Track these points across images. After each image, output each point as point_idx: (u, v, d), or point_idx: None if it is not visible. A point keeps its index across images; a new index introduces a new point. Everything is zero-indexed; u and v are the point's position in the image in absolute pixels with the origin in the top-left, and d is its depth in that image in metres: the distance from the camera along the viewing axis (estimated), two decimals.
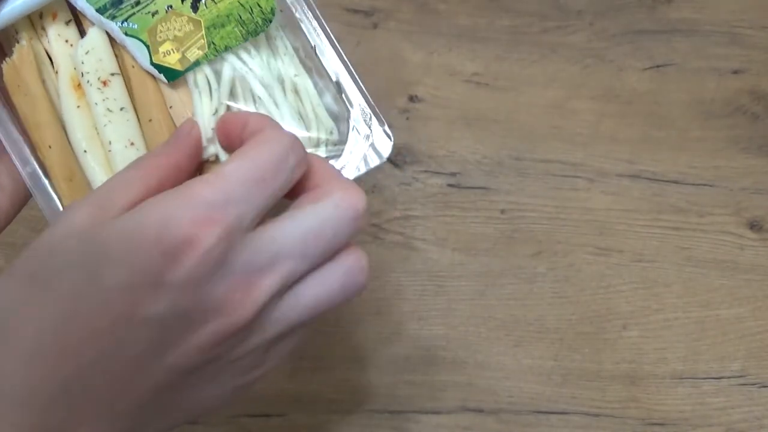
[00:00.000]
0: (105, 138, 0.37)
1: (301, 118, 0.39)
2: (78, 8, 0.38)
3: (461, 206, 0.55)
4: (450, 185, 0.55)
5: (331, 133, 0.39)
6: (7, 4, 0.36)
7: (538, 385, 0.51)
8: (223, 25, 0.38)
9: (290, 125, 0.38)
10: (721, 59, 0.60)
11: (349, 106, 0.39)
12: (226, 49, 0.38)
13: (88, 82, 0.37)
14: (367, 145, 0.38)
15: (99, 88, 0.37)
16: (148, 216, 0.29)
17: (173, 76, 0.37)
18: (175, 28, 0.38)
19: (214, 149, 0.37)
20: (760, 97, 0.59)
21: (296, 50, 0.40)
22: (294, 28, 0.39)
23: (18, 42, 0.38)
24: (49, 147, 0.37)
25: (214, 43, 0.38)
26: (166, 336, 0.28)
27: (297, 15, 0.39)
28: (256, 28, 0.38)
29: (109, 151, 0.37)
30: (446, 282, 0.53)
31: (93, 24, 0.38)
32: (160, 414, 0.30)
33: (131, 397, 0.29)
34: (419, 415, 0.50)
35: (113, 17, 0.37)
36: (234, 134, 0.34)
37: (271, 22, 0.38)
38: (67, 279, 0.28)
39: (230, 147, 0.35)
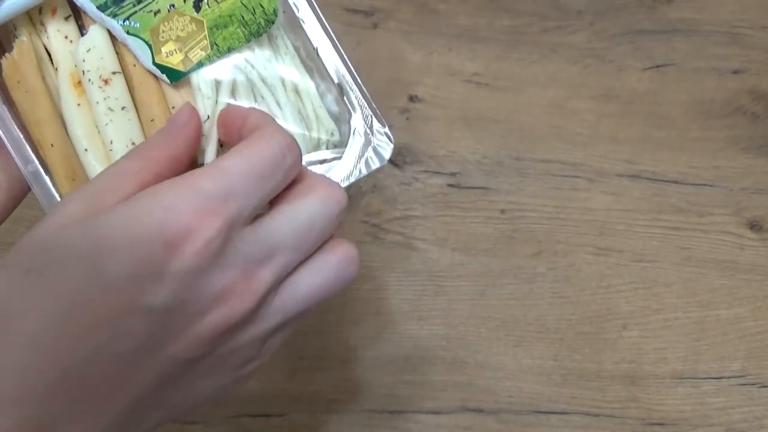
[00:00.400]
0: (106, 137, 0.37)
1: (302, 118, 0.39)
2: (78, 5, 0.37)
3: (461, 206, 0.55)
4: (450, 185, 0.55)
5: (332, 134, 0.39)
6: (6, 0, 0.36)
7: (538, 385, 0.51)
8: (225, 26, 0.38)
9: (292, 125, 0.38)
10: (721, 59, 0.60)
11: (350, 108, 0.38)
12: (229, 50, 0.37)
13: (89, 80, 0.37)
14: (368, 147, 0.38)
15: (100, 87, 0.37)
16: (150, 205, 0.29)
17: (176, 77, 0.37)
18: (177, 28, 0.37)
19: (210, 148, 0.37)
20: (760, 97, 0.59)
21: (297, 51, 0.40)
22: (296, 28, 0.39)
23: (17, 38, 0.37)
24: (51, 145, 0.36)
25: (216, 44, 0.37)
26: (166, 327, 0.29)
27: (299, 16, 0.39)
28: (258, 29, 0.38)
29: (111, 150, 0.37)
30: (446, 282, 0.53)
31: (94, 21, 0.37)
32: (157, 406, 0.30)
33: (130, 388, 0.29)
34: (419, 415, 0.50)
35: (114, 15, 0.37)
36: (233, 127, 0.34)
37: (273, 23, 0.38)
38: (68, 270, 0.28)
39: (229, 140, 0.35)
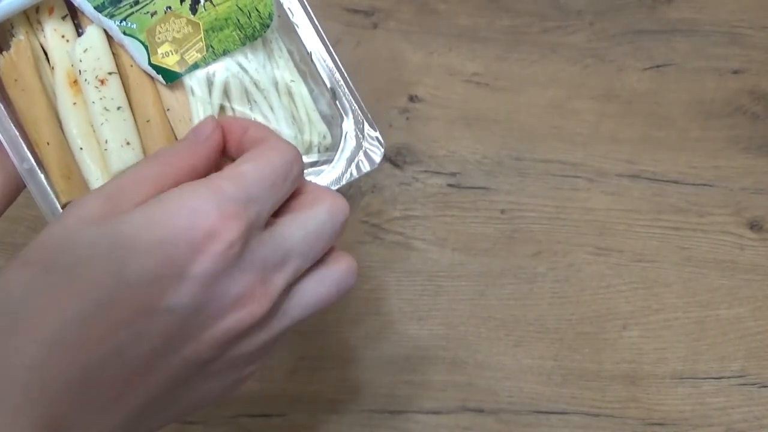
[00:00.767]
0: (101, 137, 0.37)
1: (295, 121, 0.39)
2: (76, 5, 0.37)
3: (461, 206, 0.55)
4: (450, 185, 0.55)
5: (324, 137, 0.39)
6: None
7: (538, 385, 0.51)
8: (221, 29, 0.38)
9: (284, 128, 0.38)
10: (721, 59, 0.60)
11: (342, 112, 0.39)
12: (225, 52, 0.38)
13: (85, 80, 0.37)
14: (359, 151, 0.39)
15: (96, 87, 0.37)
16: (175, 206, 0.29)
17: (172, 77, 0.37)
18: (173, 30, 0.37)
19: None
20: (760, 97, 0.59)
21: (291, 55, 0.40)
22: (290, 32, 0.39)
23: (14, 37, 0.37)
24: (47, 143, 0.36)
25: (212, 47, 0.38)
26: (185, 329, 0.29)
27: (293, 20, 0.39)
28: (254, 33, 0.38)
29: (105, 149, 0.37)
30: (446, 282, 0.53)
31: (91, 21, 0.38)
32: (166, 406, 0.31)
33: (144, 389, 0.29)
34: (419, 415, 0.50)
35: (112, 15, 0.37)
36: (233, 139, 0.34)
37: (268, 27, 0.38)
38: (91, 269, 0.28)
39: (227, 150, 0.35)
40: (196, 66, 0.37)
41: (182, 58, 0.37)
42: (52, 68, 0.38)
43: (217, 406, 0.49)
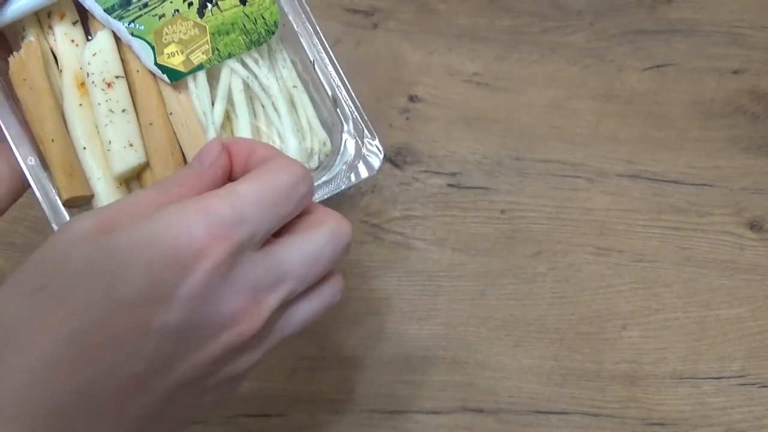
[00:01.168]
0: (105, 137, 0.38)
1: (297, 129, 0.40)
2: (87, 7, 0.38)
3: (461, 206, 0.55)
4: (450, 185, 0.55)
5: (324, 144, 0.40)
6: (16, 1, 0.37)
7: (538, 385, 0.51)
8: (227, 33, 0.38)
9: (290, 136, 0.39)
10: (721, 59, 0.60)
11: (343, 119, 0.40)
12: (230, 55, 0.38)
13: (93, 82, 0.38)
14: (358, 158, 0.39)
15: (103, 89, 0.38)
16: (164, 226, 0.29)
17: (176, 77, 0.38)
18: (180, 32, 0.38)
19: None
20: (760, 97, 0.59)
21: (294, 64, 0.41)
22: (294, 42, 0.40)
23: (25, 39, 0.38)
24: (52, 140, 0.37)
25: (218, 49, 0.38)
26: (176, 348, 0.29)
27: (297, 29, 0.40)
28: (259, 38, 0.39)
29: (108, 150, 0.37)
30: (446, 282, 0.53)
31: (101, 26, 0.38)
32: (159, 423, 0.31)
33: (137, 408, 0.29)
34: (419, 415, 0.50)
35: (121, 18, 0.38)
36: (239, 159, 0.34)
37: (273, 34, 0.39)
38: (81, 290, 0.28)
39: (234, 173, 0.35)
40: (201, 66, 0.38)
41: (188, 58, 0.38)
42: (60, 71, 0.38)
43: (217, 406, 0.49)
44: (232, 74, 0.39)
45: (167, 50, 0.38)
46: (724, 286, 0.53)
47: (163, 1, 0.38)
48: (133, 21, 0.38)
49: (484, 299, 0.52)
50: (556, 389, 0.50)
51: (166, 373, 0.29)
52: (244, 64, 0.39)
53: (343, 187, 0.39)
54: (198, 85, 0.38)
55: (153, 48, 0.38)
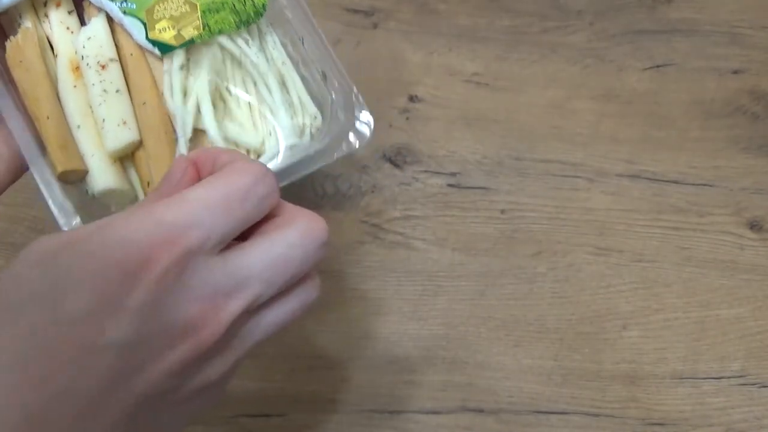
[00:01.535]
0: (99, 116, 0.39)
1: (289, 106, 0.41)
2: None
3: (461, 206, 0.55)
4: (450, 185, 0.55)
5: (315, 118, 0.41)
6: None
7: (538, 385, 0.51)
8: (217, 11, 0.40)
9: (281, 112, 0.40)
10: (721, 59, 0.60)
11: (333, 93, 0.41)
12: (220, 32, 0.40)
13: (87, 64, 0.39)
14: (349, 129, 0.40)
15: (97, 71, 0.39)
16: (106, 238, 0.28)
17: (167, 50, 0.39)
18: (171, 9, 0.40)
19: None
20: (760, 97, 0.59)
21: (284, 45, 0.42)
22: (283, 22, 0.42)
23: (21, 25, 0.40)
24: (47, 118, 0.38)
25: (208, 26, 0.40)
26: (132, 361, 0.28)
27: (286, 9, 0.42)
28: (248, 19, 0.40)
29: (102, 128, 0.39)
30: (446, 282, 0.53)
31: (95, 12, 0.40)
32: None
33: (100, 427, 0.28)
34: (419, 415, 0.50)
35: None
36: (206, 171, 0.33)
37: (262, 15, 0.41)
38: (29, 311, 0.28)
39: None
40: (192, 41, 0.40)
41: (179, 33, 0.40)
42: (56, 56, 0.40)
43: (217, 406, 0.49)
44: (224, 53, 0.41)
45: (158, 26, 0.39)
46: (724, 286, 0.53)
47: None
48: (125, 0, 0.40)
49: (484, 299, 0.52)
50: (556, 389, 0.50)
51: (124, 388, 0.28)
52: (235, 42, 0.41)
53: (336, 157, 0.40)
54: (173, 74, 0.39)
55: (144, 24, 0.39)
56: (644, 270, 0.53)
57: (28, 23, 0.40)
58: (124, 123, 0.39)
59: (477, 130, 0.57)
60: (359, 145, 0.40)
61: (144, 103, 0.39)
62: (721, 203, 0.55)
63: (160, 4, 0.39)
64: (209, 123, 0.39)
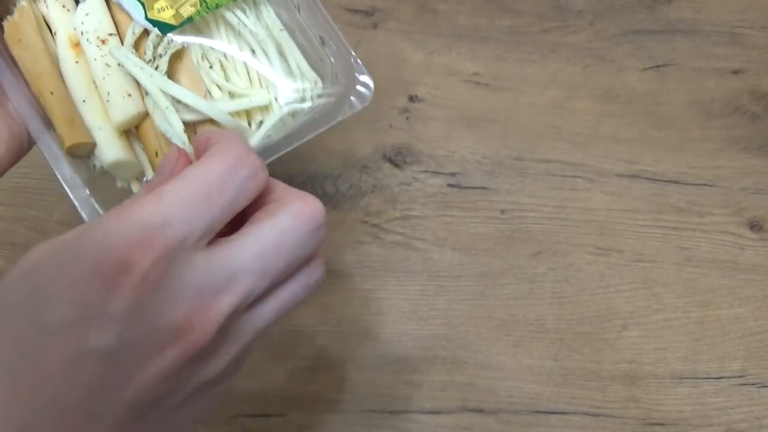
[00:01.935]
0: (103, 89, 0.39)
1: (288, 72, 0.42)
2: None
3: (461, 206, 0.55)
4: (450, 185, 0.55)
5: (316, 83, 0.41)
6: None
7: (538, 385, 0.51)
8: None
9: (280, 77, 0.41)
10: (721, 59, 0.60)
11: (331, 58, 0.41)
12: (217, 6, 0.40)
13: (87, 40, 0.39)
14: (349, 91, 0.40)
15: (98, 46, 0.39)
16: (87, 243, 0.27)
17: (167, 29, 0.40)
18: None
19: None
20: (760, 97, 0.59)
21: (279, 15, 0.42)
22: None
23: (17, 4, 0.40)
24: (51, 93, 0.38)
25: (205, 1, 0.40)
26: (119, 368, 0.27)
27: None
28: None
29: (108, 101, 0.39)
30: (446, 282, 0.53)
31: None
32: None
33: None
34: (419, 415, 0.50)
35: None
36: (199, 153, 0.32)
37: None
38: (13, 322, 0.27)
39: None
40: (190, 19, 0.40)
41: (177, 12, 0.40)
42: (54, 33, 0.40)
43: (217, 406, 0.49)
44: (224, 23, 0.41)
45: (157, 5, 0.40)
46: (724, 286, 0.53)
47: None
48: None
49: (484, 299, 0.52)
50: (556, 389, 0.50)
51: (114, 396, 0.27)
52: (234, 13, 0.42)
53: (339, 119, 0.39)
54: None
55: (143, 4, 0.40)
56: (644, 270, 0.53)
57: (23, 2, 0.40)
58: (129, 95, 0.39)
59: (477, 130, 0.57)
60: (361, 107, 0.40)
61: (150, 75, 0.40)
62: (721, 203, 0.55)
63: None
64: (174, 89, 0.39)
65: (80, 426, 0.27)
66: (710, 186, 0.56)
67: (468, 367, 0.51)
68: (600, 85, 0.59)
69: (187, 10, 0.40)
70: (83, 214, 0.37)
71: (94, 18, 0.40)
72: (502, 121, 0.57)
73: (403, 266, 0.53)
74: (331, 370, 0.51)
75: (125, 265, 0.26)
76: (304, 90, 0.41)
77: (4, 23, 0.40)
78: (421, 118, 0.57)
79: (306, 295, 0.31)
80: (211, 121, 0.39)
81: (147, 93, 0.39)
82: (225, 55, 0.41)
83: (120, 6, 0.40)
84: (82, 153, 0.39)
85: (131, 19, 0.40)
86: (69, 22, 0.40)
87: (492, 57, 0.59)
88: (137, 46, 0.39)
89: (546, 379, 0.51)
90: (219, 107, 0.39)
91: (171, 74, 0.40)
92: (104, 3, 0.41)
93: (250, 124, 0.40)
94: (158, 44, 0.39)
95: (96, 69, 0.39)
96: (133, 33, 0.39)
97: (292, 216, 0.29)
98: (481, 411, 0.50)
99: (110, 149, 0.39)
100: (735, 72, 0.59)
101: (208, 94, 0.40)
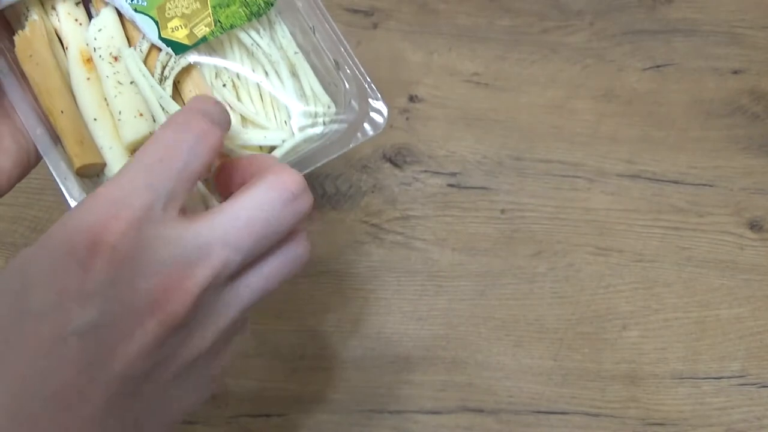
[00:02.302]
0: (115, 108, 0.39)
1: (301, 95, 0.41)
2: None
3: (461, 206, 0.55)
4: (450, 185, 0.55)
5: (329, 107, 0.41)
6: None
7: (538, 385, 0.51)
8: (228, 5, 0.40)
9: (292, 100, 0.40)
10: (721, 59, 0.60)
11: (345, 83, 0.40)
12: (231, 27, 0.40)
13: (99, 56, 0.39)
14: (363, 117, 0.40)
15: (110, 63, 0.39)
16: (61, 229, 0.28)
17: (181, 50, 0.39)
18: (183, 6, 0.40)
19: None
20: (760, 97, 0.59)
21: (294, 35, 0.42)
22: (293, 11, 0.42)
23: (29, 18, 0.40)
24: (61, 112, 0.38)
25: (220, 21, 0.40)
26: (104, 344, 0.27)
27: (296, 0, 0.42)
28: (258, 10, 0.40)
29: (119, 120, 0.38)
30: (446, 282, 0.53)
31: (103, 4, 0.40)
32: (131, 426, 0.29)
33: (85, 414, 0.28)
34: (419, 415, 0.50)
35: None
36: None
37: (272, 5, 0.41)
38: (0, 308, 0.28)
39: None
40: (204, 39, 0.39)
41: (191, 31, 0.39)
42: (66, 48, 0.40)
43: (217, 406, 0.49)
44: (237, 45, 0.41)
45: (170, 24, 0.39)
46: (724, 286, 0.53)
47: None
48: None
49: (484, 299, 0.52)
50: (556, 389, 0.50)
51: (102, 372, 0.28)
52: (247, 32, 0.41)
53: (351, 145, 0.39)
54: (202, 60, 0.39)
55: (156, 23, 0.39)
56: (644, 270, 0.53)
57: (35, 16, 0.40)
58: (141, 115, 0.38)
59: (477, 130, 0.57)
60: (374, 133, 0.40)
61: (160, 97, 0.40)
62: (721, 203, 0.55)
63: (172, 2, 0.39)
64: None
65: (71, 405, 0.27)
66: (710, 186, 0.56)
67: (468, 367, 0.51)
68: (600, 85, 0.59)
69: (201, 30, 0.39)
70: None
71: (107, 34, 0.39)
72: (502, 121, 0.57)
73: (403, 266, 0.53)
74: (331, 370, 0.51)
75: (95, 242, 0.27)
76: (316, 114, 0.41)
77: (16, 38, 0.39)
78: (421, 118, 0.57)
79: (289, 271, 0.31)
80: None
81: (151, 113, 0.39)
82: (238, 76, 0.40)
83: (133, 23, 0.39)
84: (92, 173, 0.39)
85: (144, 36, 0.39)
86: (81, 37, 0.40)
87: (492, 57, 0.59)
88: (146, 64, 0.39)
89: (546, 379, 0.51)
90: (230, 140, 0.39)
91: (182, 94, 0.40)
92: (118, 19, 0.40)
93: (260, 148, 0.40)
94: (167, 63, 0.39)
95: (108, 86, 0.39)
96: (141, 51, 0.39)
97: (265, 188, 0.30)
98: (481, 411, 0.50)
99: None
100: (735, 72, 0.59)
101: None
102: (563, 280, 0.53)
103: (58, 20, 0.40)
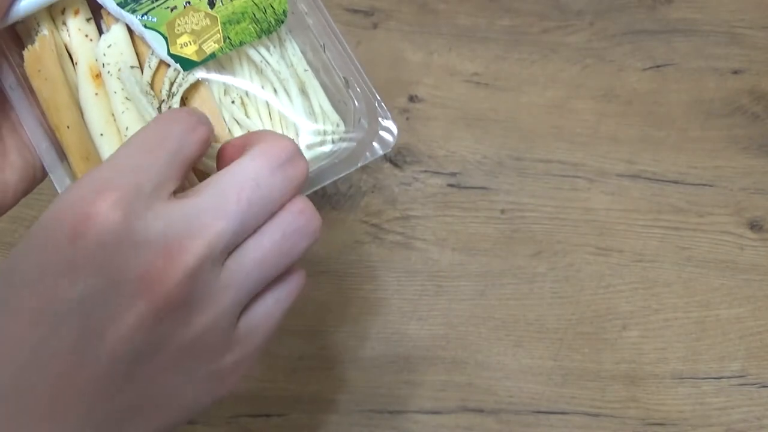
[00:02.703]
0: (122, 124, 0.39)
1: (310, 113, 0.41)
2: (100, 2, 0.40)
3: (461, 206, 0.55)
4: (450, 185, 0.55)
5: (338, 125, 0.41)
6: None
7: (538, 385, 0.51)
8: (238, 22, 0.40)
9: (301, 118, 0.40)
10: (721, 59, 0.60)
11: (355, 101, 0.40)
12: (241, 43, 0.40)
13: (108, 72, 0.39)
14: (373, 136, 0.40)
15: (119, 78, 0.39)
16: (52, 212, 0.29)
17: (189, 65, 0.39)
18: (192, 23, 0.39)
19: None
20: (760, 97, 0.59)
21: (304, 53, 0.42)
22: (303, 29, 0.41)
23: (39, 33, 0.40)
24: (68, 127, 0.38)
25: (229, 38, 0.39)
26: (95, 318, 0.27)
27: (307, 16, 0.41)
28: (269, 27, 0.40)
29: (125, 135, 0.38)
30: (446, 282, 0.53)
31: (114, 20, 0.40)
32: (127, 414, 0.29)
33: (78, 392, 0.27)
34: (419, 415, 0.50)
35: (133, 11, 0.39)
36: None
37: (283, 22, 0.40)
38: None
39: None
40: (213, 55, 0.39)
41: (200, 47, 0.39)
42: (75, 63, 0.40)
43: (217, 406, 0.49)
44: (246, 62, 0.41)
45: (180, 41, 0.39)
46: (724, 286, 0.53)
47: None
48: (145, 14, 0.39)
49: (484, 299, 0.52)
50: (556, 389, 0.50)
51: (95, 345, 0.27)
52: (256, 49, 0.41)
53: (360, 164, 0.39)
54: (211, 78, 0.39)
55: (166, 39, 0.39)
56: (644, 270, 0.53)
57: (45, 31, 0.40)
58: None
59: (477, 130, 0.57)
60: (383, 153, 0.39)
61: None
62: (721, 203, 0.55)
63: (181, 18, 0.39)
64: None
65: (62, 383, 0.27)
66: (710, 186, 0.56)
67: (468, 367, 0.51)
68: (600, 85, 0.59)
69: (211, 47, 0.39)
70: None
71: (116, 50, 0.39)
72: (502, 121, 0.57)
73: (403, 266, 0.53)
74: (331, 370, 0.51)
75: (84, 217, 0.27)
76: (325, 132, 0.40)
77: (25, 52, 0.39)
78: (421, 118, 0.57)
79: (290, 244, 0.30)
80: None
81: None
82: (246, 93, 0.40)
83: (143, 39, 0.39)
84: None
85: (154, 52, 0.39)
86: (91, 53, 0.40)
87: (492, 57, 0.59)
88: (154, 80, 0.39)
89: (546, 379, 0.51)
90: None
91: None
92: (128, 35, 0.40)
93: None
94: (175, 79, 0.39)
95: (115, 102, 0.38)
96: (149, 67, 0.39)
97: (251, 156, 0.30)
98: (481, 411, 0.50)
99: None
100: (735, 72, 0.59)
101: (230, 132, 0.40)
102: (563, 280, 0.53)
103: (69, 35, 0.40)
